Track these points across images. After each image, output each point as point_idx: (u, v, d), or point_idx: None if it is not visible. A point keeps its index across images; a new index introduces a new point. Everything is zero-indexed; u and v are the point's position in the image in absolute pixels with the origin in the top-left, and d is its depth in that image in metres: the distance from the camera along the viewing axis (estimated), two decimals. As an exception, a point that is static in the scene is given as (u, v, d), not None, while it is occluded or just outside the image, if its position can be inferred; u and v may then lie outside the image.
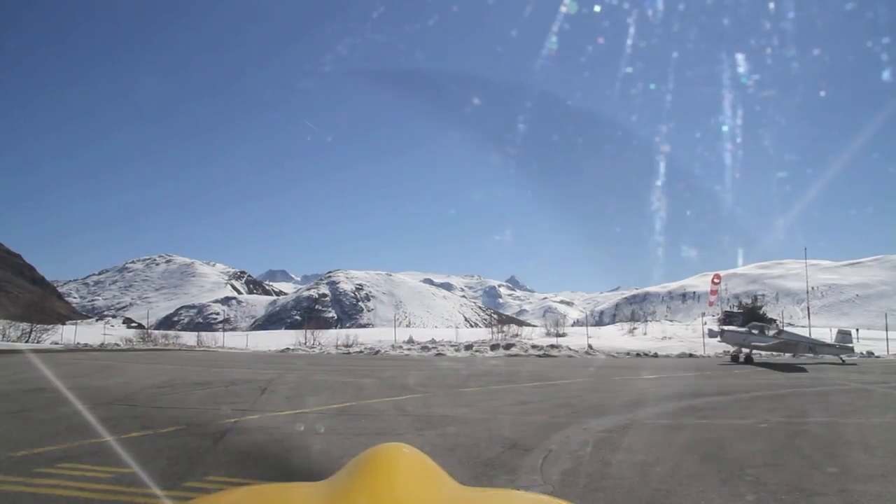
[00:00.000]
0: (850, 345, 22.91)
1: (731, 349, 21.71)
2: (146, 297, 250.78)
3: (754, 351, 21.01)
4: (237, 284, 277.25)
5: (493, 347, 30.49)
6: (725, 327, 22.24)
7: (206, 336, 42.55)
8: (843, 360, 21.24)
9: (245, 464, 5.55)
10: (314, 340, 35.87)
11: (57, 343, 34.60)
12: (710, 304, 44.92)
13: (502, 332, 38.76)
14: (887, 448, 6.54)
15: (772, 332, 21.82)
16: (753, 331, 21.44)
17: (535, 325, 59.87)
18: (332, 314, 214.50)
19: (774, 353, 21.77)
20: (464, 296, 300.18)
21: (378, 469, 1.25)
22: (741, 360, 20.94)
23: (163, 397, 10.49)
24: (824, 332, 35.76)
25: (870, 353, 27.62)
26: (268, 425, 7.56)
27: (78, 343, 34.78)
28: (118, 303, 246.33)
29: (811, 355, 22.21)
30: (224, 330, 60.40)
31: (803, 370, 18.00)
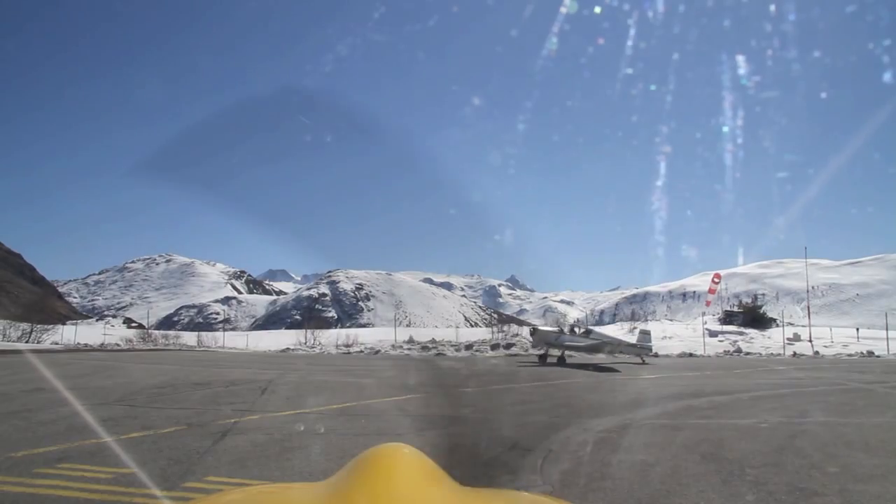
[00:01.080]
0: (650, 344, 22.92)
1: (541, 350, 20.45)
2: (146, 297, 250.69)
3: (567, 352, 19.88)
4: (237, 284, 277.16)
5: (494, 347, 30.49)
6: (539, 327, 21.14)
7: (207, 336, 42.57)
8: (644, 361, 20.77)
9: (245, 464, 5.55)
10: (314, 340, 35.91)
11: (57, 343, 34.61)
12: (708, 303, 44.90)
13: (502, 331, 38.74)
14: (888, 448, 6.54)
15: (581, 332, 21.01)
16: (564, 330, 20.60)
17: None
18: (332, 314, 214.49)
19: (588, 353, 20.77)
20: (464, 295, 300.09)
21: (378, 469, 1.25)
22: (550, 360, 19.86)
23: (163, 397, 10.49)
24: (824, 332, 35.79)
25: (870, 353, 27.62)
26: (268, 426, 7.56)
27: (78, 343, 34.80)
28: (118, 303, 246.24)
29: (619, 355, 21.35)
30: (224, 330, 60.42)
31: (616, 371, 17.22)
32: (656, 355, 24.75)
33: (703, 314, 42.48)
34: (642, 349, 21.69)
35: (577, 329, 21.14)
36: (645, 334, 23.32)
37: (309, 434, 7.00)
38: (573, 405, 9.76)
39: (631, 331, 40.02)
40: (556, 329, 20.34)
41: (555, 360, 19.66)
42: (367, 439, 6.48)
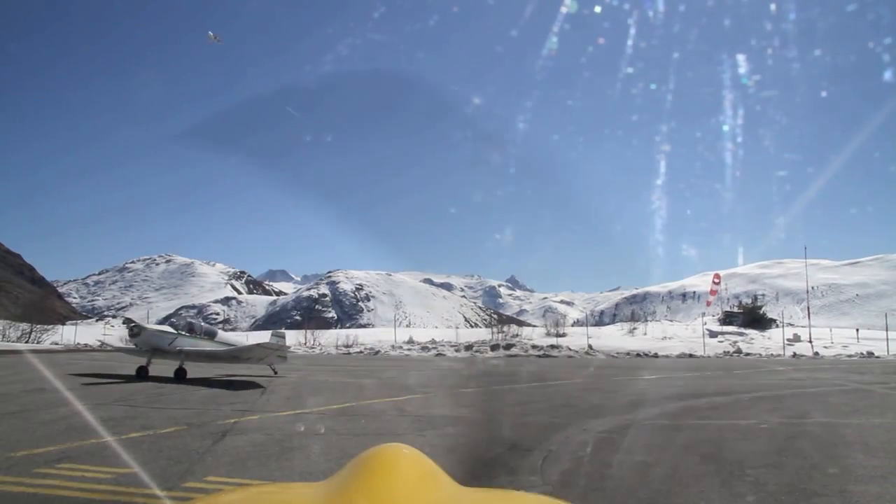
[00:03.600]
0: (286, 353, 17.55)
1: (144, 359, 14.34)
2: (146, 297, 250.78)
3: (191, 361, 14.47)
4: (237, 284, 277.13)
5: (494, 348, 30.52)
6: (145, 325, 15.59)
7: (206, 336, 42.51)
8: (276, 372, 15.90)
9: (245, 464, 5.55)
10: (314, 340, 35.89)
11: (57, 343, 34.59)
12: (709, 303, 44.83)
13: (502, 332, 38.75)
14: (888, 449, 6.53)
15: (201, 335, 15.64)
16: (181, 332, 14.96)
17: (535, 326, 59.85)
18: (332, 314, 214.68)
19: (227, 363, 15.74)
20: (464, 296, 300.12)
21: (378, 469, 1.26)
22: (156, 372, 13.92)
23: (163, 397, 10.50)
24: (824, 333, 35.80)
25: (870, 354, 27.63)
26: (268, 426, 7.56)
27: (78, 343, 34.77)
28: (118, 303, 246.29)
29: (259, 364, 15.98)
30: (224, 330, 60.42)
31: (259, 385, 12.59)
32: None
33: (703, 315, 42.49)
34: (281, 357, 16.57)
35: (196, 330, 15.75)
36: (279, 338, 18.62)
37: (309, 434, 7.00)
38: (574, 405, 9.77)
39: (631, 331, 40.02)
40: (170, 331, 14.87)
41: (174, 372, 13.93)
42: (367, 439, 6.48)
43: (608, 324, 61.78)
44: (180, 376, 13.79)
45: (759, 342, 33.56)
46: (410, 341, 33.56)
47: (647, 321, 46.16)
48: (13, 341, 33.20)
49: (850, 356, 27.69)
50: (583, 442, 6.62)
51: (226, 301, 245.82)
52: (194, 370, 14.54)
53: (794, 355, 27.89)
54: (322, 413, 8.81)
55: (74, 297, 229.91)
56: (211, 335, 15.92)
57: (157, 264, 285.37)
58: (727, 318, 42.35)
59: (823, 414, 9.28)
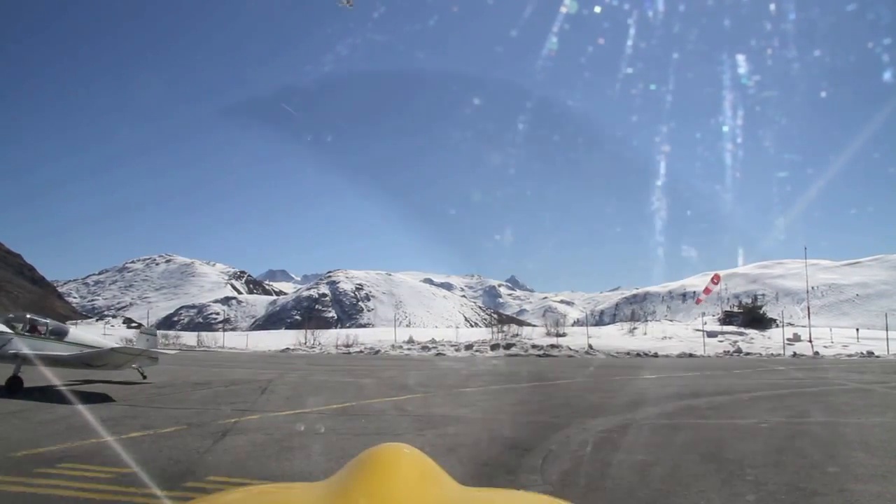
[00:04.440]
0: (156, 354, 14.63)
1: None
2: (146, 297, 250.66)
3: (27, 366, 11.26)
4: (237, 284, 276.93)
5: (494, 347, 30.51)
6: None
7: (207, 336, 42.54)
8: (145, 376, 13.51)
9: (245, 464, 5.55)
10: (314, 340, 35.90)
11: (57, 343, 34.53)
12: (698, 301, 44.83)
13: (502, 331, 38.74)
14: (887, 448, 6.54)
15: (48, 333, 12.56)
16: (18, 329, 11.87)
17: (535, 325, 59.82)
18: (332, 314, 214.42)
19: (80, 367, 12.28)
20: (464, 295, 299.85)
21: (378, 469, 1.25)
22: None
23: (163, 397, 10.51)
24: (824, 332, 35.81)
25: (870, 353, 27.64)
26: (268, 425, 7.56)
27: (78, 343, 34.65)
28: (118, 303, 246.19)
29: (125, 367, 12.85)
30: (224, 330, 60.38)
31: (110, 399, 10.13)
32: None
33: (703, 314, 42.50)
34: (150, 359, 13.89)
35: (41, 329, 12.61)
36: (150, 337, 15.80)
37: (309, 434, 7.01)
38: (574, 405, 9.77)
39: (631, 331, 40.02)
40: (5, 330, 11.59)
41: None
42: (367, 439, 6.48)
43: (608, 323, 61.70)
44: (14, 387, 10.82)
45: (759, 342, 33.56)
46: (410, 341, 33.56)
47: (647, 321, 46.10)
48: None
49: (849, 356, 27.69)
50: (583, 441, 6.62)
51: (226, 301, 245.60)
52: (43, 377, 11.35)
53: (794, 355, 27.90)
54: (322, 413, 8.81)
55: (74, 297, 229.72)
56: (59, 335, 12.89)
57: (157, 264, 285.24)
58: (727, 318, 42.33)
59: (823, 413, 9.28)
